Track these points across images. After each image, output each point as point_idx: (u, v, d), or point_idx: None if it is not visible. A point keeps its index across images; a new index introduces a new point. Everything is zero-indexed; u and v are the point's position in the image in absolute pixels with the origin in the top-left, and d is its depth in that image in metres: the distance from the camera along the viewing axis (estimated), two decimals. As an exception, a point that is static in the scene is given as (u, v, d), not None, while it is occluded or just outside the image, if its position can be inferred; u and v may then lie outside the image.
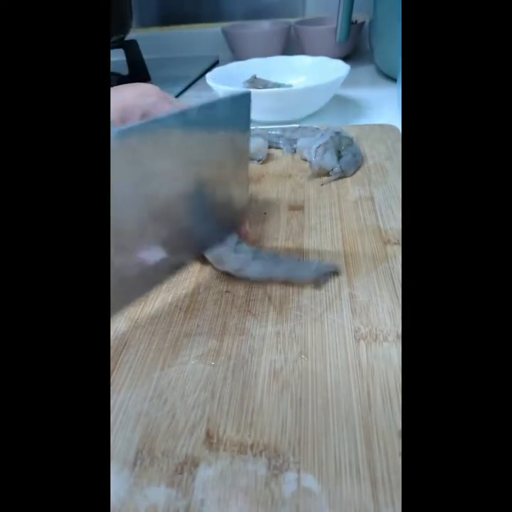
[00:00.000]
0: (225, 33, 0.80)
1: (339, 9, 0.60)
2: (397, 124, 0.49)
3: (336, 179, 0.40)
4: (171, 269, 0.27)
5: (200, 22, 0.91)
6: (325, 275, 0.28)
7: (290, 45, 0.82)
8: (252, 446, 0.19)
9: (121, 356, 0.24)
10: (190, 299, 0.28)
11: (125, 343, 0.25)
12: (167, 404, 0.21)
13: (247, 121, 0.25)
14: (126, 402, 0.22)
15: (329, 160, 0.40)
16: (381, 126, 0.50)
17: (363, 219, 0.34)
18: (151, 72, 0.74)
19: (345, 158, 0.41)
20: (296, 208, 0.37)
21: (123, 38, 0.71)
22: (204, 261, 0.30)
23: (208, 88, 0.55)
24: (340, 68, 0.55)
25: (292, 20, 0.82)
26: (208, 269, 0.30)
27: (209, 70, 0.61)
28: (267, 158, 0.45)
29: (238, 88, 0.54)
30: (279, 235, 0.33)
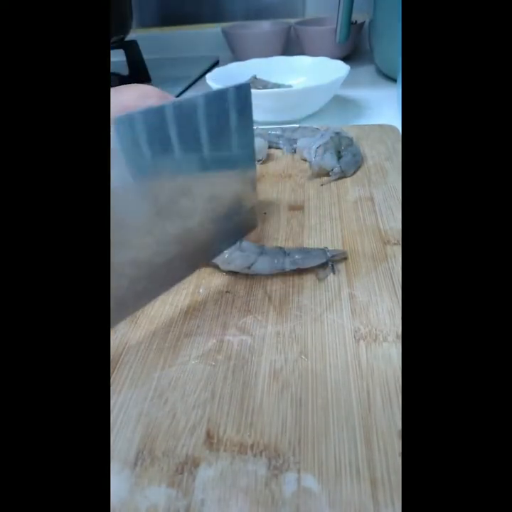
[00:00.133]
0: (225, 33, 0.80)
1: (339, 9, 0.60)
2: (397, 124, 0.49)
3: (335, 179, 0.40)
4: (184, 270, 0.26)
5: (200, 22, 0.91)
6: (334, 258, 0.29)
7: (290, 46, 0.82)
8: (252, 446, 0.19)
9: (122, 356, 0.24)
10: (190, 299, 0.28)
11: (125, 343, 0.25)
12: (167, 405, 0.21)
13: (249, 113, 0.24)
14: (126, 402, 0.22)
15: (329, 160, 0.40)
16: (381, 126, 0.50)
17: (362, 219, 0.34)
18: (151, 73, 0.74)
19: (345, 158, 0.41)
20: (296, 208, 0.37)
21: (123, 38, 0.71)
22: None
23: (208, 88, 0.56)
24: (340, 68, 0.55)
25: (292, 21, 0.82)
26: (208, 269, 0.30)
27: (209, 70, 0.61)
28: (267, 158, 0.45)
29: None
30: (279, 235, 0.33)
